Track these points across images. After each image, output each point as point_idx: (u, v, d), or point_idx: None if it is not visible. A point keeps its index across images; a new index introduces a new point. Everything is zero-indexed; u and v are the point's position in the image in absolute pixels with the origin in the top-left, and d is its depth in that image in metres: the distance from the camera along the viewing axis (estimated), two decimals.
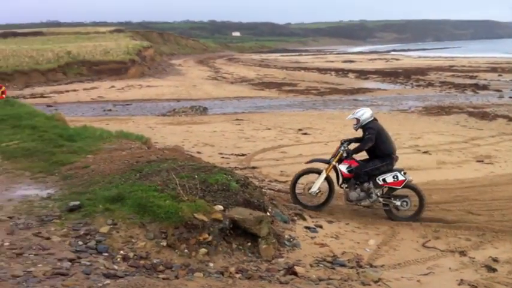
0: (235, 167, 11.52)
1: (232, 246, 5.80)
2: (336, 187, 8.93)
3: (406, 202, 8.60)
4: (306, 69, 55.10)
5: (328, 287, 5.09)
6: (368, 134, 8.67)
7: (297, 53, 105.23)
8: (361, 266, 6.26)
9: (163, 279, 4.67)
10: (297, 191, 9.02)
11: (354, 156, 8.88)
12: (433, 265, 6.66)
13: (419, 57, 79.23)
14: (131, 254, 5.16)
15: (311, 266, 5.93)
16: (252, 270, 5.31)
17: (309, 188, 8.79)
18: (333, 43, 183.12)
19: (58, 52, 50.56)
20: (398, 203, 8.60)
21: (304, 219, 7.78)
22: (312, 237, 7.11)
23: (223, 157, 13.51)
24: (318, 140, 16.02)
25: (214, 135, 17.47)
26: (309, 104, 27.30)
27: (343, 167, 8.79)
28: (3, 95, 19.44)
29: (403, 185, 8.62)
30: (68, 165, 8.47)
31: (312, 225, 7.60)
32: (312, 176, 9.03)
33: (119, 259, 5.01)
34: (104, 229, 5.46)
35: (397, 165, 8.87)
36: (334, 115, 22.62)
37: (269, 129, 18.93)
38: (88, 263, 4.70)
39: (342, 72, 48.64)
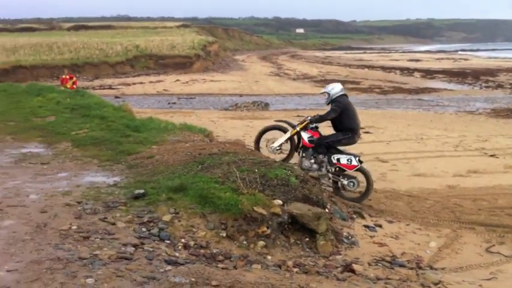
0: (295, 163, 11.54)
1: (290, 241, 5.84)
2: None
3: (353, 183, 8.90)
4: (369, 67, 54.17)
5: (386, 286, 5.03)
6: (334, 106, 9.02)
7: (361, 51, 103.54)
8: (421, 268, 6.14)
9: (222, 268, 4.78)
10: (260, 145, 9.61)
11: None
12: (497, 270, 6.44)
13: (489, 57, 76.00)
14: (192, 243, 5.29)
15: (369, 264, 5.88)
16: (310, 266, 5.33)
17: (272, 143, 9.27)
18: (399, 41, 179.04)
19: (127, 46, 52.11)
20: (345, 182, 8.91)
21: (363, 217, 7.72)
22: (371, 236, 7.04)
23: (283, 153, 13.54)
24: (380, 139, 15.75)
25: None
26: (372, 103, 26.87)
27: (305, 135, 9.12)
28: (74, 86, 20.28)
29: (354, 169, 8.92)
30: (133, 155, 8.75)
31: (371, 224, 7.53)
32: (279, 134, 9.42)
33: (180, 247, 5.15)
34: (167, 217, 5.63)
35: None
36: (397, 114, 22.19)
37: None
38: (151, 249, 4.86)
39: (407, 71, 47.50)
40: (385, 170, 11.44)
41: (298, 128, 9.20)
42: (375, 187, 9.47)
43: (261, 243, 5.57)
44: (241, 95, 29.73)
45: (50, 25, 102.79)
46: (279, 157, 9.19)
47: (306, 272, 5.07)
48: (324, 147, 8.95)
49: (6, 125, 11.23)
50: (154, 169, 7.61)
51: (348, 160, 8.91)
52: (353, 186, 8.92)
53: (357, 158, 8.96)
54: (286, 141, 9.25)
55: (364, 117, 21.32)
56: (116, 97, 26.98)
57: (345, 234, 6.67)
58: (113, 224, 5.41)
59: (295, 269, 5.14)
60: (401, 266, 6.04)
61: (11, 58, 41.74)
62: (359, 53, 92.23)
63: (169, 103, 26.03)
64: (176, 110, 22.94)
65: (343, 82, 36.81)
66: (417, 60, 64.59)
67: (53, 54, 46.61)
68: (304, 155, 9.13)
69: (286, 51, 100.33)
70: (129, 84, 34.46)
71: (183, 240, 5.31)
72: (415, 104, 26.10)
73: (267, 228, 5.69)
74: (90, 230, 5.15)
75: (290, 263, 5.30)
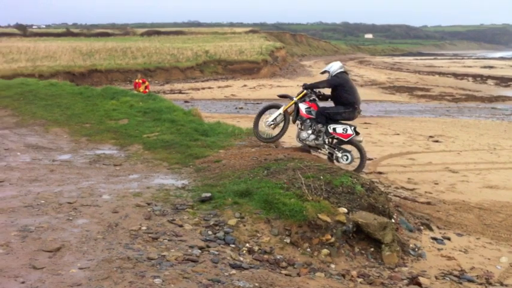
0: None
1: (355, 250, 5.77)
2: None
3: (347, 157, 9.15)
4: (440, 73, 52.67)
5: None
6: (329, 78, 9.43)
7: (432, 57, 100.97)
8: (490, 284, 5.90)
9: (286, 275, 4.80)
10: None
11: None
12: None
13: None
14: (256, 248, 5.34)
15: (436, 278, 5.72)
16: (374, 276, 5.25)
17: (267, 119, 9.66)
18: (472, 47, 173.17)
19: (197, 51, 53.20)
20: (339, 154, 9.18)
21: (431, 229, 7.50)
22: (438, 249, 6.84)
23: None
24: (450, 149, 15.28)
25: None
26: (442, 111, 26.10)
27: (303, 106, 9.42)
28: (147, 90, 20.92)
29: (349, 138, 9.15)
30: (201, 159, 8.92)
31: (439, 236, 7.31)
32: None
33: (244, 251, 5.22)
34: (232, 221, 5.72)
35: None
36: (469, 123, 21.42)
37: (398, 134, 18.42)
38: (216, 252, 4.95)
39: (480, 78, 45.81)
40: (455, 180, 11.08)
41: (295, 99, 9.54)
42: (444, 198, 9.21)
43: (325, 251, 5.55)
44: None
45: (125, 30, 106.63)
46: (273, 132, 9.70)
47: (371, 283, 5.01)
48: (324, 117, 9.19)
49: (82, 127, 11.75)
50: (221, 173, 7.72)
51: (343, 129, 9.15)
52: (346, 159, 9.15)
53: (353, 128, 9.18)
54: (281, 115, 9.56)
55: (433, 125, 20.83)
56: (186, 101, 27.57)
57: (411, 245, 6.52)
58: (181, 226, 5.54)
59: (359, 279, 5.09)
60: (470, 281, 5.84)
61: (87, 62, 43.57)
62: (429, 59, 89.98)
63: (236, 108, 26.34)
64: (243, 115, 23.18)
65: (412, 89, 36.40)
66: (491, 67, 62.14)
67: (126, 59, 48.28)
68: (302, 126, 9.42)
69: (354, 57, 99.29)
70: (198, 89, 35.17)
71: (247, 244, 5.37)
72: (488, 112, 25.13)
73: (331, 236, 5.66)
74: (158, 231, 5.31)
75: (354, 272, 5.25)
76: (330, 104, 9.60)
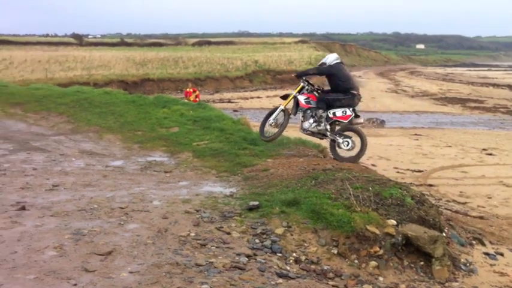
0: (411, 183, 11.20)
1: (404, 263, 5.67)
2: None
3: (348, 142, 9.25)
4: (495, 85, 51.26)
5: None
6: (320, 67, 9.80)
7: (486, 68, 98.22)
8: None
9: (333, 286, 4.77)
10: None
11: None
12: None
13: None
14: (303, 258, 5.32)
15: None
16: None
17: (269, 120, 9.93)
18: None
19: (246, 61, 53.70)
20: (340, 140, 9.30)
21: (484, 244, 7.29)
22: (491, 264, 6.63)
23: (398, 172, 13.24)
24: (504, 162, 14.83)
25: (390, 149, 17.15)
26: (496, 123, 25.39)
27: (301, 98, 9.65)
28: (197, 99, 21.24)
29: (349, 119, 9.31)
30: (249, 167, 8.98)
31: (491, 251, 7.09)
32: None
33: (291, 261, 5.21)
34: (279, 230, 5.72)
35: None
36: None
37: (449, 146, 18.04)
38: (263, 261, 4.96)
39: None
40: (509, 195, 10.75)
41: (294, 93, 9.80)
42: (497, 212, 8.94)
43: (373, 263, 5.48)
44: None
45: (177, 41, 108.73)
46: (275, 130, 9.88)
47: None
48: (324, 103, 9.39)
49: (134, 134, 12.03)
50: (268, 182, 7.75)
51: (342, 112, 9.31)
52: (347, 145, 9.27)
53: (351, 109, 9.32)
54: (281, 113, 9.84)
55: (487, 137, 20.27)
56: (234, 110, 27.85)
57: (462, 260, 6.35)
58: (228, 233, 5.58)
59: None
60: None
61: (140, 71, 44.61)
62: (483, 70, 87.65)
63: None
64: (291, 125, 23.13)
65: (465, 100, 35.55)
66: None
67: (178, 68, 49.18)
68: (303, 117, 9.66)
69: (404, 68, 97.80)
70: (247, 98, 35.46)
71: (294, 254, 5.36)
72: None
73: (380, 248, 5.59)
74: (206, 238, 5.36)
75: (403, 286, 5.17)
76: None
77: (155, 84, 41.88)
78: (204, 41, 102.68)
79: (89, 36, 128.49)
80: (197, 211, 6.31)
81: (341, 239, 5.63)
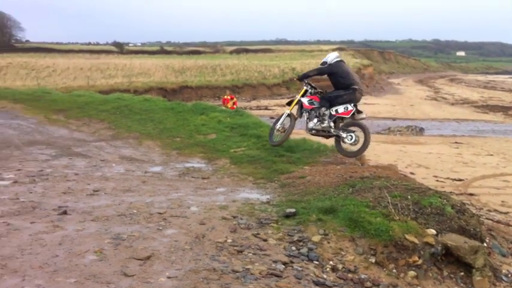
0: (451, 192, 11.00)
1: (443, 273, 5.56)
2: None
3: (351, 136, 9.45)
4: None
5: None
6: (320, 67, 10.17)
7: None
8: None
9: None
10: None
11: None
12: None
13: None
14: (340, 266, 5.28)
15: None
16: None
17: (276, 125, 10.36)
18: None
19: (283, 68, 53.79)
20: (344, 135, 9.54)
21: None
22: None
23: (437, 180, 13.02)
24: None
25: (429, 157, 16.88)
26: None
27: (305, 100, 10.11)
28: (235, 106, 21.39)
29: (351, 114, 9.59)
30: (286, 174, 8.96)
31: None
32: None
33: (328, 269, 5.17)
34: (316, 238, 5.69)
35: None
36: None
37: (491, 155, 17.63)
38: (300, 268, 4.94)
39: None
40: None
41: (298, 97, 10.29)
42: None
43: (412, 273, 5.39)
44: (394, 119, 29.11)
45: (215, 48, 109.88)
46: (280, 137, 10.32)
47: None
48: (327, 101, 9.75)
49: (172, 140, 12.19)
50: (305, 189, 7.72)
51: (344, 108, 9.63)
52: (351, 139, 9.47)
53: (352, 104, 9.60)
54: (287, 117, 10.31)
55: None
56: (271, 118, 27.80)
57: (504, 271, 6.18)
58: (265, 240, 5.58)
59: None
60: None
61: (178, 79, 45.18)
62: None
63: None
64: None
65: (507, 108, 34.68)
66: None
67: (216, 76, 49.61)
68: (308, 118, 10.03)
69: (444, 75, 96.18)
70: (283, 106, 35.39)
71: (331, 262, 5.32)
72: None
73: (419, 258, 5.50)
74: (243, 245, 5.37)
75: None
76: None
77: (193, 91, 42.33)
78: (241, 48, 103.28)
79: (130, 45, 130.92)
80: (234, 217, 6.34)
81: (379, 248, 5.56)
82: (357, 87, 9.68)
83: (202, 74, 49.69)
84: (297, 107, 10.37)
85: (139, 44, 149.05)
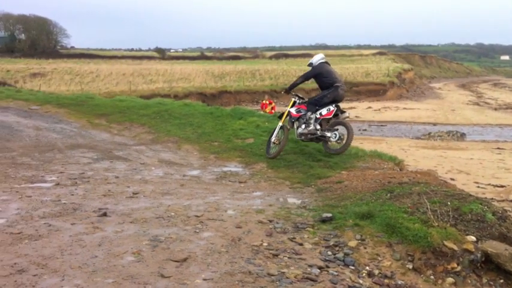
0: (492, 198, 10.74)
1: (482, 281, 5.44)
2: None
3: (336, 134, 10.03)
4: None
5: None
6: (305, 73, 10.83)
7: None
8: None
9: None
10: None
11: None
12: None
13: None
14: (376, 272, 5.23)
15: None
16: None
17: (272, 138, 10.82)
18: None
19: None
20: (329, 134, 10.10)
21: None
22: None
23: (478, 186, 12.75)
24: None
25: (470, 163, 16.52)
26: None
27: (292, 109, 10.82)
28: (273, 111, 21.39)
29: (333, 114, 10.19)
30: (323, 179, 8.94)
31: None
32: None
33: (364, 274, 5.13)
34: (352, 243, 5.65)
35: None
36: None
37: None
38: (335, 273, 4.92)
39: None
40: None
41: (288, 109, 10.90)
42: None
43: (450, 280, 5.29)
44: (435, 124, 28.62)
45: (254, 54, 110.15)
46: (274, 150, 10.69)
47: None
48: (313, 105, 10.41)
49: (211, 144, 12.32)
50: (342, 194, 7.68)
51: (327, 109, 10.23)
52: (335, 137, 10.03)
53: (334, 105, 10.20)
54: (280, 130, 10.77)
55: None
56: None
57: None
58: (301, 244, 5.58)
59: None
60: None
61: (218, 84, 45.58)
62: None
63: (359, 130, 26.09)
64: (366, 137, 22.88)
65: None
66: None
67: (254, 81, 49.82)
68: (298, 125, 10.63)
69: (487, 79, 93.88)
70: None
71: (367, 267, 5.27)
72: None
73: (457, 264, 5.39)
74: (279, 248, 5.39)
75: None
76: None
77: (232, 96, 42.65)
78: (281, 53, 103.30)
79: (171, 51, 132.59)
80: (270, 221, 6.36)
81: (417, 254, 5.48)
82: (339, 84, 10.28)
83: (242, 79, 50.00)
84: (288, 118, 10.98)
85: (181, 50, 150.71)
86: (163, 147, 12.33)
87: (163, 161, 10.79)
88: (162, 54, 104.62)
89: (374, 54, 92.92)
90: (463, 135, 24.02)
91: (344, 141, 9.96)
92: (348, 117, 10.54)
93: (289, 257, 5.17)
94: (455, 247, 5.48)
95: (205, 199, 7.53)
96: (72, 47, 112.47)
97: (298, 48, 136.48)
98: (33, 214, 6.22)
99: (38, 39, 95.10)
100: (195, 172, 9.96)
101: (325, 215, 6.43)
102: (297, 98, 10.94)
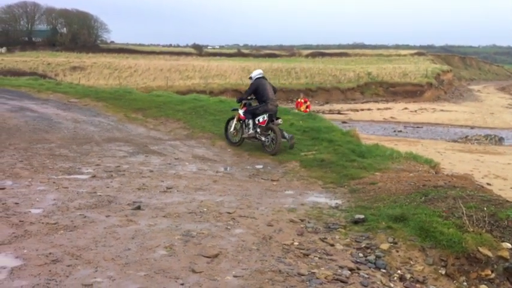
0: None
1: None
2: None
3: (268, 139, 11.59)
4: None
5: None
6: (247, 89, 12.31)
7: None
8: None
9: None
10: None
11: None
12: None
13: None
14: (408, 276, 5.16)
15: None
16: None
17: (230, 129, 12.52)
18: None
19: (359, 72, 53.09)
20: (263, 138, 11.71)
21: None
22: None
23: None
24: None
25: (508, 168, 16.13)
26: None
27: (241, 111, 12.31)
28: (308, 109, 21.35)
29: (265, 123, 11.68)
30: (356, 180, 8.87)
31: None
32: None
33: (395, 278, 5.07)
34: (384, 246, 5.60)
35: None
36: None
37: None
38: (366, 276, 4.88)
39: None
40: None
41: (239, 110, 12.33)
42: None
43: (483, 287, 5.17)
44: (472, 127, 28.05)
45: (291, 52, 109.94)
46: (235, 139, 12.39)
47: None
48: (250, 114, 11.95)
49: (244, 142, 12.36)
50: (375, 196, 7.61)
51: (262, 118, 11.73)
52: (268, 141, 11.55)
53: (267, 114, 11.67)
54: (238, 123, 12.36)
55: None
56: (343, 122, 27.64)
57: None
58: (332, 245, 5.56)
59: None
60: None
61: None
62: None
63: (395, 131, 25.77)
64: (401, 138, 22.58)
65: None
66: None
67: (290, 79, 49.73)
68: (244, 126, 12.17)
69: None
70: (357, 110, 35.03)
71: (399, 271, 5.21)
72: None
73: (492, 271, 5.27)
74: (310, 248, 5.38)
75: None
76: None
77: None
78: (317, 52, 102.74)
79: (208, 47, 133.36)
80: (302, 221, 6.36)
81: (450, 259, 5.39)
82: (269, 101, 11.73)
83: (277, 77, 49.93)
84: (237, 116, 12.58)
85: (218, 47, 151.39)
86: (197, 142, 12.43)
87: (197, 157, 10.88)
88: (199, 50, 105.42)
89: (412, 55, 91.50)
90: (501, 139, 23.47)
91: (275, 144, 11.31)
92: (280, 123, 11.88)
93: (319, 257, 5.16)
94: (490, 254, 5.36)
95: (238, 196, 7.57)
96: (112, 42, 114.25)
97: (335, 47, 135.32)
98: (69, 205, 6.36)
99: (79, 33, 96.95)
100: (228, 169, 10.01)
101: (357, 216, 6.39)
102: (247, 102, 12.34)
